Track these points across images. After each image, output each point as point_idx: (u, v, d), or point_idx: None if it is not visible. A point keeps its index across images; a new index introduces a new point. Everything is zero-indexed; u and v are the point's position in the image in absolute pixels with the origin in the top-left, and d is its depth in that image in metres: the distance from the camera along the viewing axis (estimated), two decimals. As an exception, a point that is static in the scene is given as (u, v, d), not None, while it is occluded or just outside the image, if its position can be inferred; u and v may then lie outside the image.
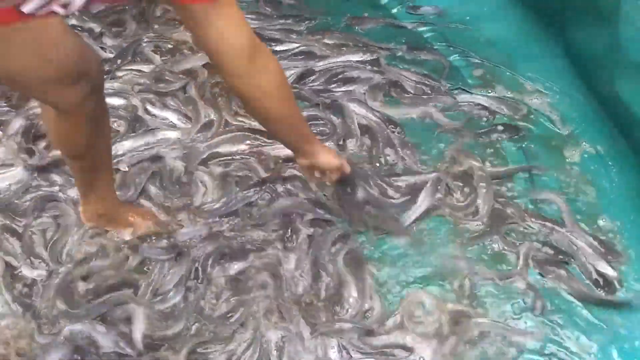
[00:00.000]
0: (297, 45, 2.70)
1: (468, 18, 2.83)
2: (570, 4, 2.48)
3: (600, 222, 2.07)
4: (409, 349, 1.77)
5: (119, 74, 2.55)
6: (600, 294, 1.90)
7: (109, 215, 1.96)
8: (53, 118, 1.58)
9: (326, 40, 2.73)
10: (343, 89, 2.51)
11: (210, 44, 1.31)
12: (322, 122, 2.37)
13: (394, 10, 2.92)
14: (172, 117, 2.39)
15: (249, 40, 1.33)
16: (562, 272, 1.93)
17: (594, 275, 1.93)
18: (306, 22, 2.84)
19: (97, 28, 2.73)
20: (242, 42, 1.32)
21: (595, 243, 1.99)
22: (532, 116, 2.41)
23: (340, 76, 2.56)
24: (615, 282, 1.92)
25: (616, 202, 2.13)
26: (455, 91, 2.50)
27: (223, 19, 1.27)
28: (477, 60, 2.63)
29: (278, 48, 2.70)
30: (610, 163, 2.25)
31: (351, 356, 1.76)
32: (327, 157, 1.76)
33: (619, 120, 2.28)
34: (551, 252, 1.98)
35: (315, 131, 2.26)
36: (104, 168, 1.84)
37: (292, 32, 2.78)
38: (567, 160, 2.26)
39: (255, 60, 1.35)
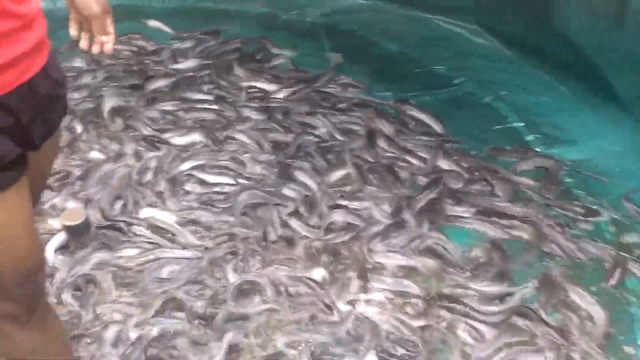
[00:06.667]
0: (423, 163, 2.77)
1: (608, 172, 2.80)
2: None
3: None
4: None
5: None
6: None
7: None
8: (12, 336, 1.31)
9: (462, 163, 2.77)
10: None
11: None
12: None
13: (537, 149, 2.93)
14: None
15: None
16: None
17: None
18: (448, 143, 2.90)
19: None
20: None
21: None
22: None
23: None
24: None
25: None
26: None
27: None
28: (616, 217, 2.55)
29: (415, 162, 2.77)
30: None
31: None
32: None
33: None
34: None
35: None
36: None
37: (425, 148, 2.84)
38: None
39: None
